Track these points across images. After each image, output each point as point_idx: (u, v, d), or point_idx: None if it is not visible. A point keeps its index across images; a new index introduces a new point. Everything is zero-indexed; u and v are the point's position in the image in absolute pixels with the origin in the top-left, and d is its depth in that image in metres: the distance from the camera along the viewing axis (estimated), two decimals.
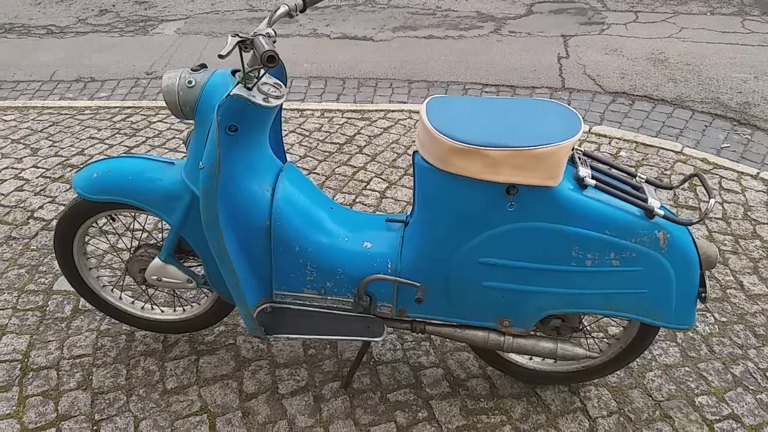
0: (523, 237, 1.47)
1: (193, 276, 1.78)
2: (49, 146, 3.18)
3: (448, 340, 1.97)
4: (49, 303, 2.19)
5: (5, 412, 1.81)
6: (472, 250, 1.51)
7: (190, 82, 1.51)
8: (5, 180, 2.87)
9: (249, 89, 1.45)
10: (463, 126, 1.41)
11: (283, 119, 3.47)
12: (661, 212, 1.43)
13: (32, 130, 3.35)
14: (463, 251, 1.52)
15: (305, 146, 3.20)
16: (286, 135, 3.30)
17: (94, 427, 1.77)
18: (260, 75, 1.44)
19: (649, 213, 1.43)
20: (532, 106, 1.50)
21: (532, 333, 1.69)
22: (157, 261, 1.75)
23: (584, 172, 1.45)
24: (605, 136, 3.31)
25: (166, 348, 2.02)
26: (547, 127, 1.40)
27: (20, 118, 3.51)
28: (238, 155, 1.54)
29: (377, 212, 2.67)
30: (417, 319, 1.70)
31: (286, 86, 1.68)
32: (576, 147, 1.55)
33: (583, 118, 3.47)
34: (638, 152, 3.15)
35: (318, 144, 3.22)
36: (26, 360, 1.97)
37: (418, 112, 3.42)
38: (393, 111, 3.56)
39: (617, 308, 1.55)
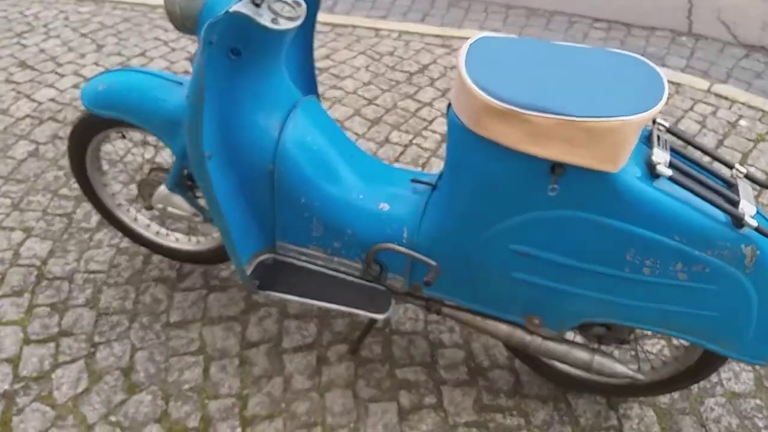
0: (567, 228, 1.17)
1: (200, 209, 1.62)
2: (115, 43, 3.09)
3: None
4: (77, 211, 2.13)
5: (13, 317, 1.78)
6: (502, 233, 1.23)
7: None
8: (65, 75, 2.82)
9: (257, 5, 1.20)
10: (506, 80, 1.10)
11: (356, 38, 3.18)
12: (754, 222, 1.07)
13: (102, 24, 3.27)
14: (492, 233, 1.24)
15: (372, 71, 2.91)
16: (354, 56, 3.02)
17: (92, 349, 1.71)
18: None
19: (738, 221, 1.08)
20: (605, 60, 1.15)
21: (566, 338, 1.41)
22: (163, 188, 1.59)
23: (660, 156, 1.11)
24: (726, 98, 2.77)
25: (180, 277, 1.91)
26: (616, 92, 1.06)
27: (95, 11, 3.43)
28: (242, 84, 1.31)
29: (424, 162, 2.39)
30: (433, 298, 1.46)
31: (318, 5, 1.41)
32: (657, 120, 1.20)
33: (705, 72, 2.94)
34: (763, 124, 2.62)
35: (386, 71, 2.92)
36: (43, 267, 1.93)
37: None
38: None
39: (676, 328, 1.23)
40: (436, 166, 2.33)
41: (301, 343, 1.73)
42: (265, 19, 1.20)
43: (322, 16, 3.37)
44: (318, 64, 2.95)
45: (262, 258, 1.50)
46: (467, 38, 3.11)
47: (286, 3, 1.26)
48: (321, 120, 1.44)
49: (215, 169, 1.33)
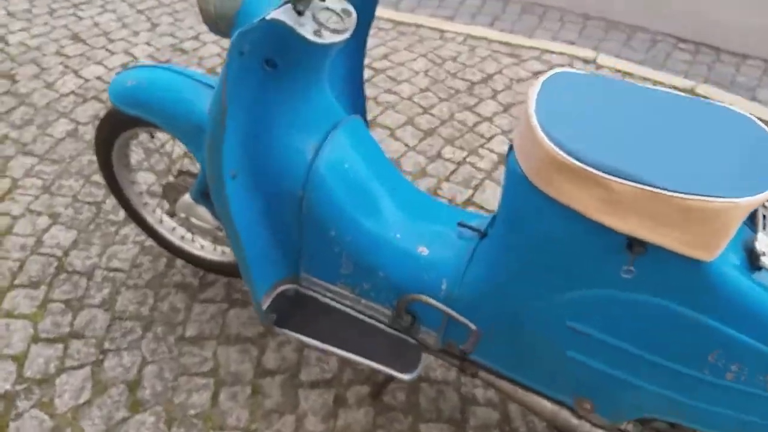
0: (639, 314, 0.97)
1: None
2: (169, 23, 2.99)
3: None
4: (107, 201, 2.04)
5: (25, 311, 1.70)
6: (560, 306, 1.04)
7: None
8: (115, 53, 2.74)
9: (299, 12, 1.04)
10: (584, 131, 0.91)
11: (418, 38, 2.99)
12: None
13: (160, 2, 3.19)
14: (548, 304, 1.05)
15: (431, 77, 2.72)
16: (414, 59, 2.84)
17: (101, 356, 1.61)
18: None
19: None
20: (706, 116, 0.95)
21: (620, 428, 1.21)
22: (187, 197, 1.47)
23: (766, 244, 0.90)
24: None
25: (201, 286, 1.79)
26: (721, 161, 0.86)
27: None
28: (276, 99, 1.16)
29: (477, 184, 2.20)
30: (470, 360, 1.28)
31: (372, 15, 1.24)
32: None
33: None
34: None
35: (447, 77, 2.73)
36: (64, 259, 1.85)
37: (584, 60, 2.78)
38: (552, 52, 2.93)
39: None
40: (490, 191, 2.14)
41: (319, 378, 1.58)
42: (306, 30, 1.04)
43: (384, 12, 3.20)
44: (375, 64, 2.78)
45: (282, 288, 1.35)
46: (538, 49, 2.89)
47: (334, 12, 1.09)
48: (363, 144, 1.28)
49: (237, 189, 1.19)
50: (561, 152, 0.88)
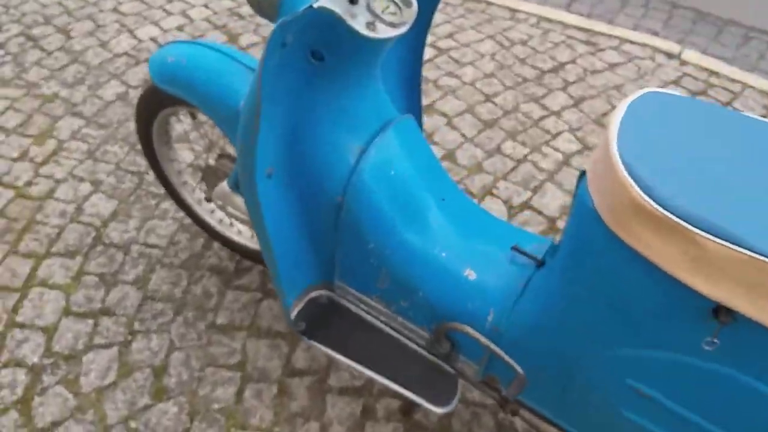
0: (716, 386, 0.83)
1: None
2: None
3: None
4: (149, 172, 1.99)
5: (59, 281, 1.67)
6: (621, 361, 0.91)
7: None
8: (171, 14, 2.67)
9: (352, 1, 0.92)
10: (675, 169, 0.76)
11: (488, 17, 2.80)
12: None
13: None
14: (607, 356, 0.92)
15: (498, 61, 2.54)
16: (481, 40, 2.66)
17: (129, 336, 1.57)
18: None
19: None
20: None
21: None
22: (224, 185, 1.38)
23: None
24: None
25: (237, 272, 1.73)
26: None
27: None
28: (321, 94, 1.05)
29: (536, 186, 2.04)
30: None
31: (436, 4, 1.11)
32: None
33: None
34: None
35: (515, 63, 2.54)
36: (103, 230, 1.81)
37: (667, 54, 2.55)
38: (633, 42, 2.70)
39: None
40: (550, 194, 1.98)
41: (349, 385, 1.49)
42: (358, 22, 0.91)
43: None
44: (439, 43, 2.62)
45: (315, 294, 1.26)
46: (617, 38, 2.66)
47: (392, 1, 0.96)
48: (414, 147, 1.15)
49: (270, 188, 1.09)
50: (645, 197, 0.74)
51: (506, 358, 1.02)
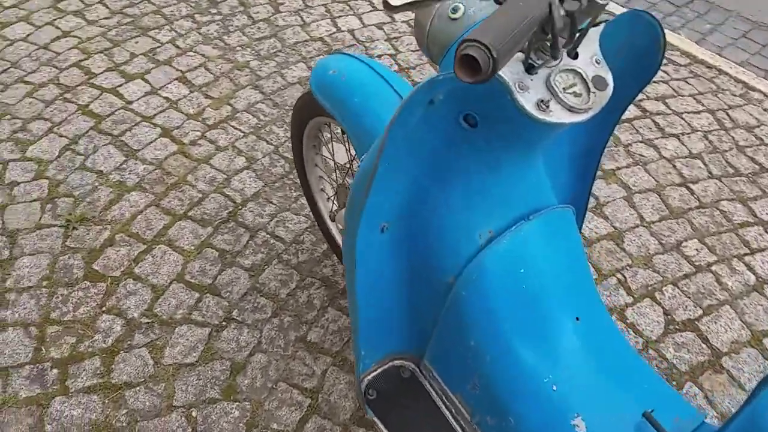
0: None
1: None
2: None
3: None
4: None
5: (184, 246, 1.70)
6: None
7: (455, 9, 0.87)
8: (376, 10, 2.64)
9: (529, 69, 0.75)
10: None
11: (713, 88, 2.41)
12: None
13: None
14: None
15: (709, 142, 2.16)
16: (697, 112, 2.28)
17: (223, 321, 1.55)
18: (558, 51, 0.73)
19: None
20: None
21: None
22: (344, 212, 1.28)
23: None
24: None
25: (344, 292, 1.64)
26: None
27: None
28: (464, 162, 0.89)
29: (709, 306, 1.68)
30: None
31: (640, 90, 0.90)
32: None
33: None
34: None
35: (730, 149, 2.15)
36: (240, 208, 1.82)
37: None
38: None
39: None
40: (725, 322, 1.63)
41: None
42: (528, 98, 0.74)
43: (683, 42, 2.63)
44: (646, 104, 2.30)
45: (398, 363, 1.11)
46: None
47: (580, 78, 0.77)
48: (561, 246, 0.95)
49: (383, 243, 0.96)
50: None
51: None
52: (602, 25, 0.85)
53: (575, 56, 0.81)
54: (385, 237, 0.96)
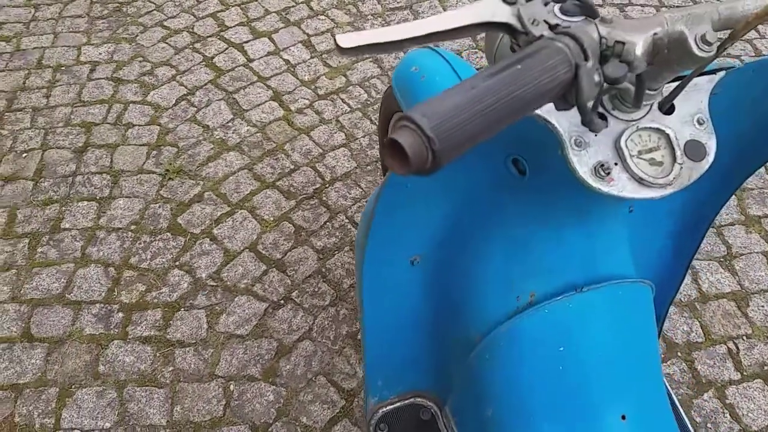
0: None
1: None
2: None
3: None
4: None
5: (264, 215, 1.70)
6: None
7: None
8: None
9: (589, 124, 0.60)
10: None
11: None
12: None
13: None
14: None
15: None
16: None
17: (282, 300, 1.53)
18: (639, 101, 0.58)
19: None
20: None
21: None
22: None
23: None
24: None
25: None
26: None
27: None
28: (508, 212, 0.75)
29: None
30: None
31: (756, 167, 0.71)
32: None
33: None
34: None
35: None
36: (327, 186, 1.77)
37: None
38: None
39: None
40: None
41: None
42: (584, 161, 0.59)
43: None
44: None
45: (420, 401, 1.01)
46: None
47: (669, 143, 0.60)
48: (622, 328, 0.78)
49: (416, 274, 0.85)
50: None
51: None
52: (721, 74, 0.66)
53: (669, 110, 0.63)
54: (417, 270, 0.86)
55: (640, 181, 0.60)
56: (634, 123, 0.62)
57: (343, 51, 0.50)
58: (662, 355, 1.48)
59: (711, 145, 0.62)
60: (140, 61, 2.11)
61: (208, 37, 2.20)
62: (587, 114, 0.51)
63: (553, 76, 0.45)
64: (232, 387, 1.40)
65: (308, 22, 2.27)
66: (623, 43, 0.50)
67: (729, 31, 0.55)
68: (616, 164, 0.60)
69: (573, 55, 0.46)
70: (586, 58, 0.47)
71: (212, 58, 2.13)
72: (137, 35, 2.20)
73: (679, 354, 1.48)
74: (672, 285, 0.98)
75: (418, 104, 0.42)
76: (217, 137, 1.88)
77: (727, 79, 0.68)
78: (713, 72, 0.66)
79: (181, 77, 2.06)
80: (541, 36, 0.52)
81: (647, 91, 0.60)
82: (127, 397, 1.38)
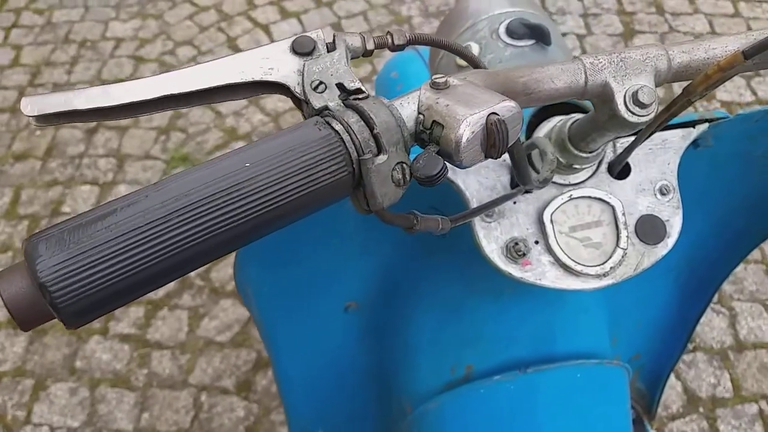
0: None
1: None
2: None
3: None
4: None
5: None
6: None
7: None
8: None
9: (525, 187, 0.46)
10: None
11: None
12: None
13: None
14: None
15: None
16: None
17: None
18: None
19: None
20: None
21: None
22: None
23: None
24: None
25: None
26: None
27: None
28: (439, 265, 0.63)
29: None
30: None
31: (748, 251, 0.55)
32: None
33: None
34: None
35: None
36: None
37: None
38: None
39: None
40: None
41: None
42: (493, 235, 0.47)
43: None
44: None
45: None
46: None
47: (614, 218, 0.46)
48: (582, 415, 0.64)
49: (342, 321, 0.75)
50: None
51: None
52: (702, 127, 0.50)
53: (622, 174, 0.48)
54: (351, 318, 0.74)
55: (566, 268, 0.45)
56: (568, 189, 0.47)
57: (35, 124, 0.35)
58: (680, 410, 1.30)
59: (674, 223, 0.47)
60: (164, 39, 2.05)
61: (234, 16, 2.11)
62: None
63: (311, 177, 0.31)
64: (203, 398, 1.33)
65: (341, 3, 2.14)
66: (441, 126, 0.33)
67: (687, 83, 0.39)
68: (536, 242, 0.46)
69: (352, 145, 0.32)
70: (380, 150, 0.33)
71: (235, 39, 2.04)
72: (165, 12, 2.14)
73: (701, 409, 1.29)
74: (668, 359, 0.83)
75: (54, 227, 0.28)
76: (228, 125, 1.80)
77: (723, 129, 0.51)
78: (690, 124, 0.50)
79: (201, 57, 1.98)
80: (324, 109, 0.37)
81: (580, 154, 0.45)
82: (99, 397, 1.34)
